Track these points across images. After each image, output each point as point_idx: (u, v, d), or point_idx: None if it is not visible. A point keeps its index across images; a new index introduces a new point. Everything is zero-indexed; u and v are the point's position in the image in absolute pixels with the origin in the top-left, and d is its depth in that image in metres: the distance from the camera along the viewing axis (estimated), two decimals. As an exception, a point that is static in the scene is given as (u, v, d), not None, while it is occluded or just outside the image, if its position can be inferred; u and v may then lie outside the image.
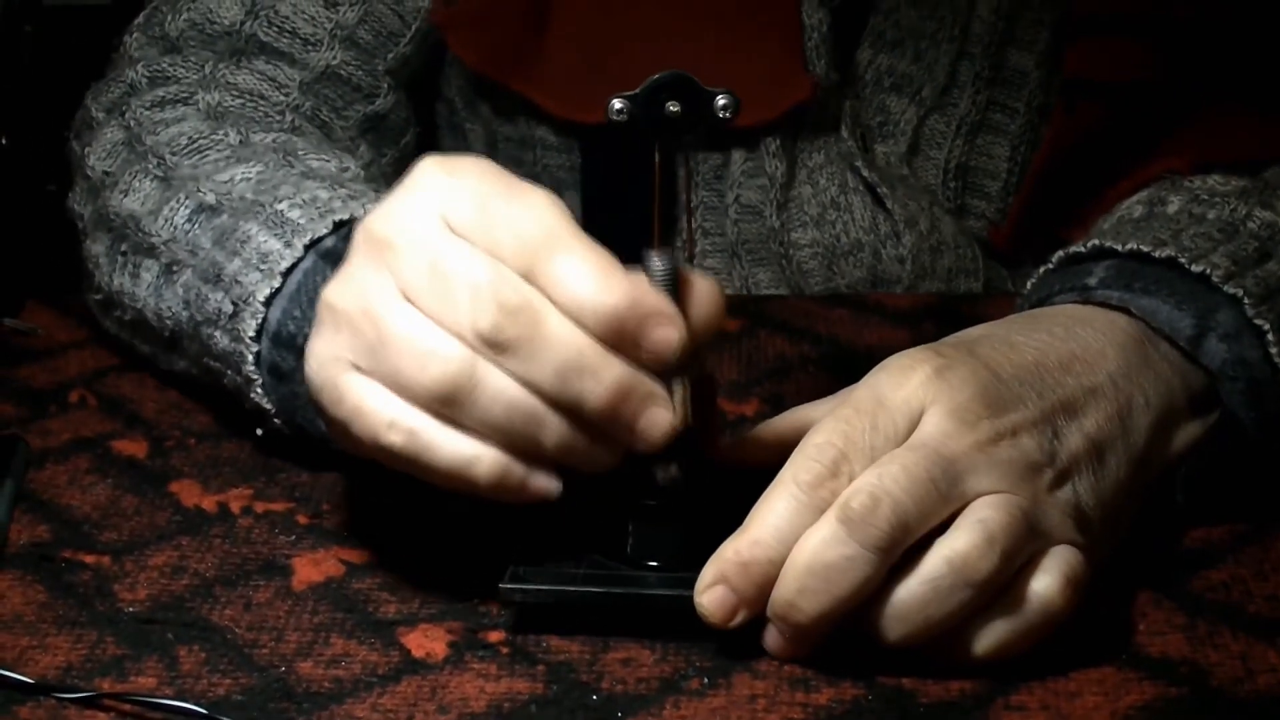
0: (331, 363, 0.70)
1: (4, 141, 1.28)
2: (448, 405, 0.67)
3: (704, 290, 0.70)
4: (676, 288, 0.70)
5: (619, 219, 0.70)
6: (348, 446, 0.72)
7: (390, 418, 0.68)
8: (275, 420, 0.84)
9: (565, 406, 0.68)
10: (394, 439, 0.68)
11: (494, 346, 0.67)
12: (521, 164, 1.13)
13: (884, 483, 0.67)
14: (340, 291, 0.70)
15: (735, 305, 1.05)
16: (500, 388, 0.67)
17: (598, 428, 0.68)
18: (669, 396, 0.69)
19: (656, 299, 0.68)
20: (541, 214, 0.68)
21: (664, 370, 0.69)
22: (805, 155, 1.08)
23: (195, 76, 1.02)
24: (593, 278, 0.67)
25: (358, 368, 0.69)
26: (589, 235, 0.69)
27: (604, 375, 0.67)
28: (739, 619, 0.69)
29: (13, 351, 0.99)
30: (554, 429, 0.68)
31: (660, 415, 0.69)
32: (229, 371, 0.85)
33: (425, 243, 0.68)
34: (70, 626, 0.74)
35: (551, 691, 0.69)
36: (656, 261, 0.70)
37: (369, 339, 0.69)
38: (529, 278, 0.67)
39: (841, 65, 1.07)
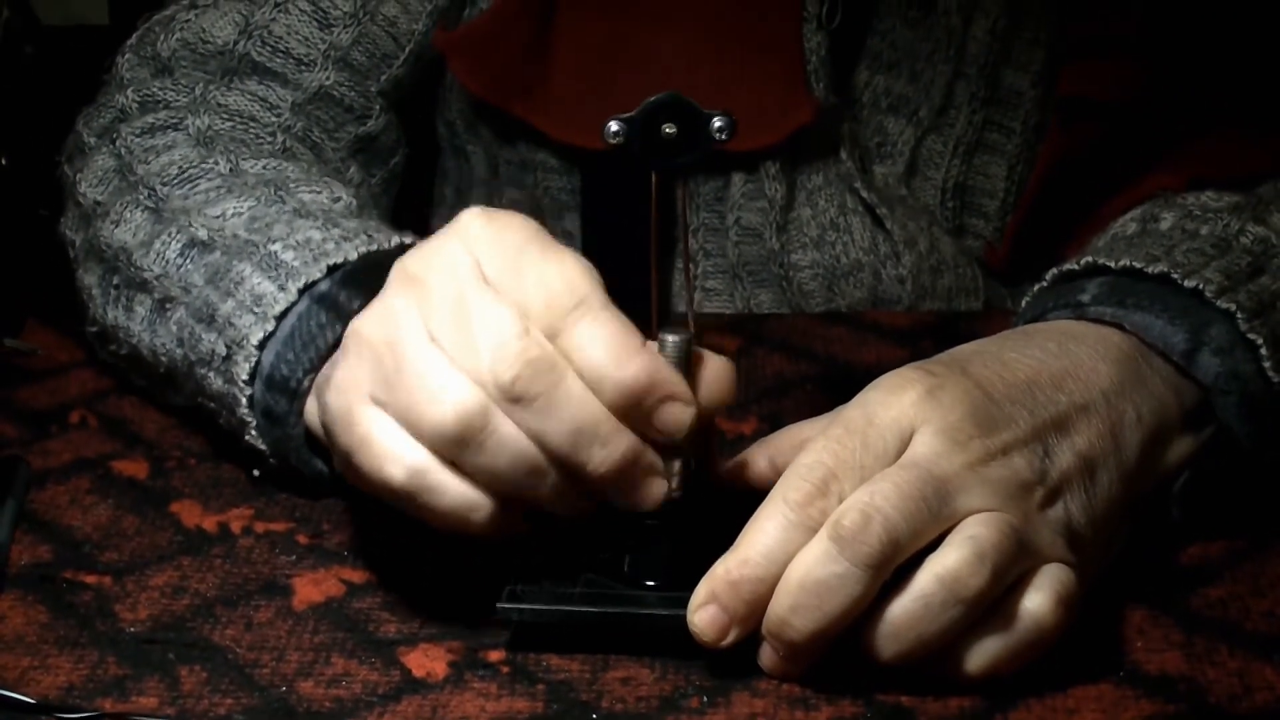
0: (350, 389, 0.70)
1: (4, 162, 1.29)
2: (456, 447, 0.68)
3: (717, 370, 0.72)
4: (689, 364, 0.71)
5: (618, 240, 0.70)
6: (351, 478, 0.73)
7: (396, 453, 0.69)
8: (270, 461, 0.84)
9: (569, 466, 0.69)
10: (397, 474, 0.69)
11: (511, 398, 0.68)
12: (523, 186, 1.13)
13: (875, 500, 0.68)
14: (368, 322, 0.71)
15: (733, 323, 1.05)
16: (510, 438, 0.68)
17: (591, 488, 0.70)
18: (667, 469, 0.71)
19: (673, 379, 0.69)
20: (573, 276, 0.69)
21: (669, 444, 0.70)
22: (804, 177, 1.09)
23: (185, 100, 1.03)
24: (615, 351, 0.68)
25: (374, 399, 0.70)
26: (591, 258, 0.70)
27: (614, 445, 0.69)
28: (731, 637, 0.70)
29: (13, 372, 1.00)
30: (550, 484, 0.69)
31: (656, 489, 0.71)
32: (224, 412, 0.85)
33: (455, 284, 0.69)
34: (72, 647, 0.74)
35: (552, 710, 0.69)
36: (670, 339, 0.71)
37: (387, 370, 0.69)
38: (552, 337, 0.68)
39: (839, 88, 1.08)
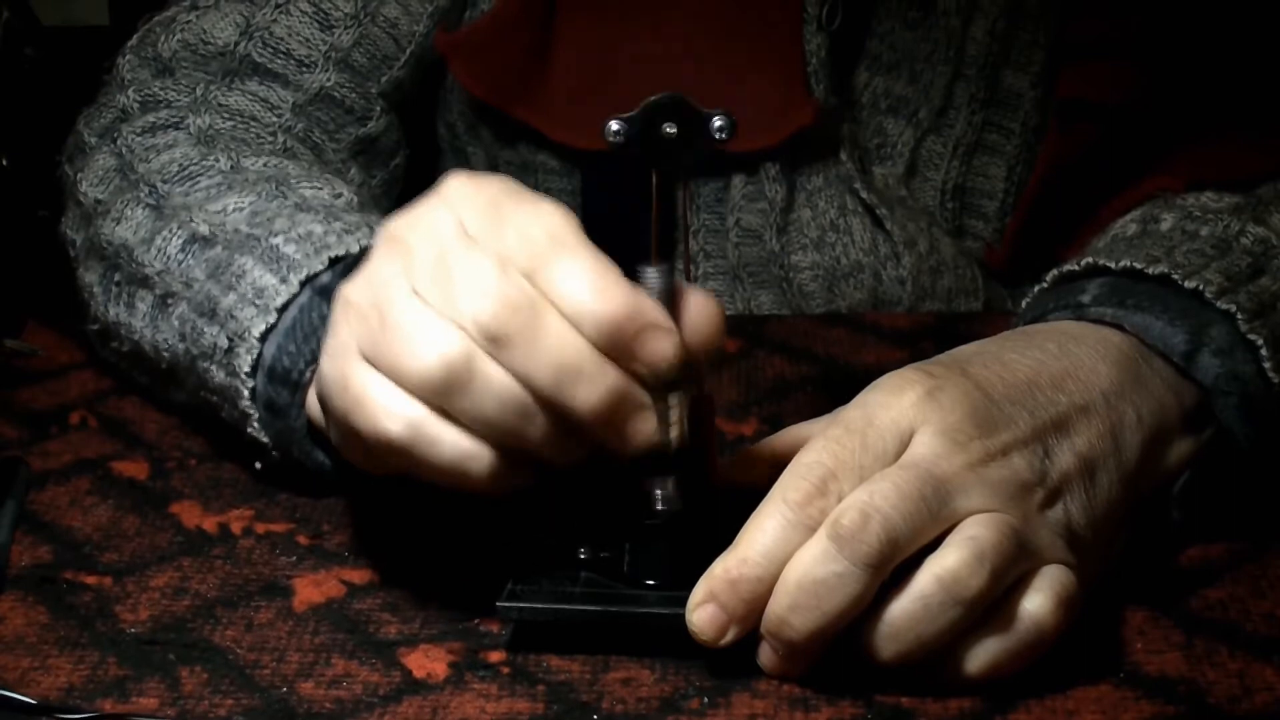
0: (339, 352, 0.71)
1: (4, 162, 1.29)
2: (443, 394, 0.68)
3: (701, 306, 0.71)
4: (673, 302, 0.70)
5: (619, 241, 0.70)
6: (350, 446, 0.73)
7: (390, 407, 0.69)
8: (273, 454, 0.84)
9: (555, 406, 0.68)
10: (393, 428, 0.69)
11: (493, 339, 0.67)
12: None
13: (874, 500, 0.68)
14: (354, 286, 0.72)
15: (734, 325, 1.05)
16: (495, 380, 0.68)
17: (582, 429, 0.69)
18: (659, 409, 0.70)
19: (654, 311, 0.68)
20: (549, 220, 0.69)
21: (657, 382, 0.69)
22: (804, 178, 1.09)
23: (186, 100, 1.03)
24: (593, 285, 0.68)
25: (365, 358, 0.70)
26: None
27: (598, 381, 0.68)
28: (730, 637, 0.70)
29: (13, 373, 1.00)
30: (541, 426, 0.69)
31: (646, 425, 0.69)
32: (226, 405, 0.85)
33: (437, 242, 0.70)
34: (72, 647, 0.74)
35: (552, 711, 0.70)
36: (652, 275, 0.70)
37: (373, 327, 0.69)
38: (532, 279, 0.68)
39: (839, 89, 1.08)
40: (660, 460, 0.71)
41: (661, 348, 0.68)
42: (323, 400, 0.73)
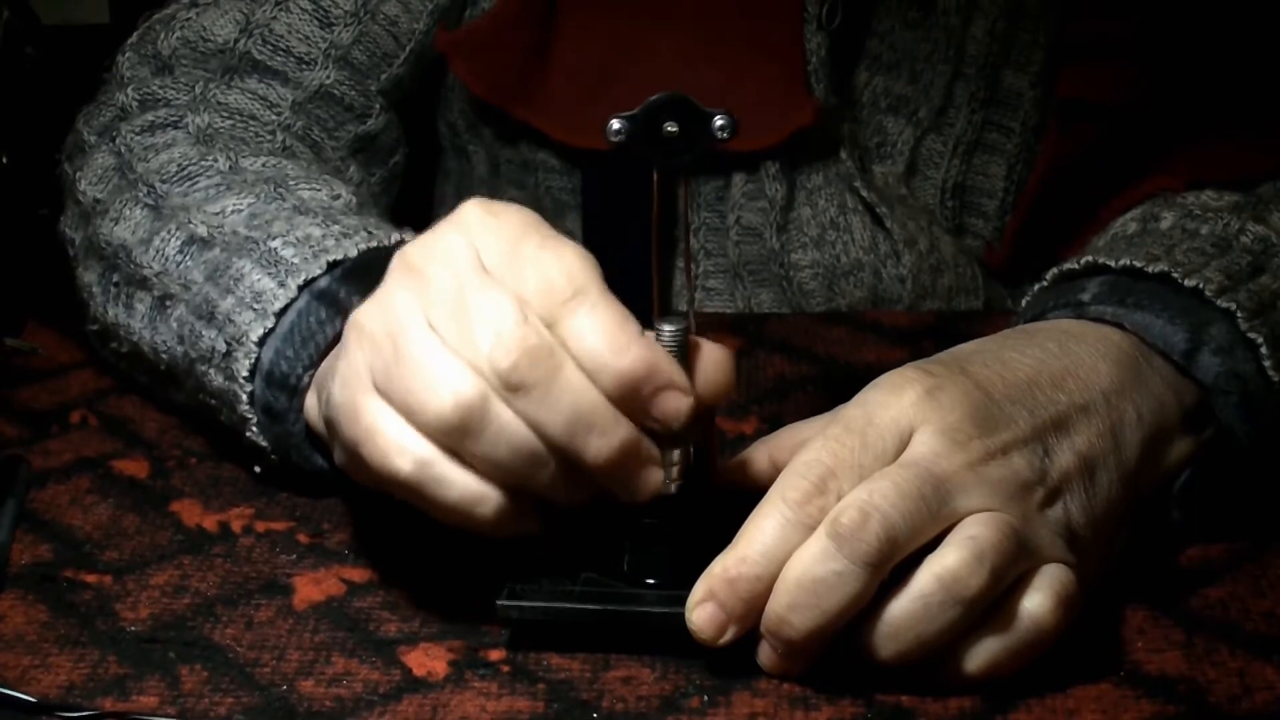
0: (353, 380, 0.71)
1: (4, 161, 1.29)
2: (457, 437, 0.68)
3: (715, 361, 0.71)
4: (686, 354, 0.71)
5: (619, 240, 0.70)
6: (357, 472, 0.73)
7: (402, 444, 0.69)
8: (272, 457, 0.84)
9: (567, 455, 0.68)
10: (403, 466, 0.69)
11: (510, 386, 0.68)
12: (524, 187, 1.13)
13: (874, 499, 0.68)
14: (369, 313, 0.71)
15: (734, 323, 1.05)
16: (509, 426, 0.68)
17: (589, 477, 0.70)
18: (664, 460, 0.71)
19: (671, 369, 0.69)
20: (571, 265, 0.69)
21: (668, 435, 0.70)
22: (804, 177, 1.09)
23: (185, 98, 1.03)
24: (612, 339, 0.68)
25: (376, 389, 0.70)
26: (600, 262, 0.70)
27: (611, 434, 0.68)
28: (729, 635, 0.70)
29: (14, 372, 1.00)
30: (550, 473, 0.69)
31: (653, 479, 0.70)
32: (224, 409, 0.85)
33: (455, 274, 0.69)
34: (72, 646, 0.74)
35: (552, 710, 0.70)
36: (667, 328, 0.71)
37: (387, 360, 0.69)
38: (550, 326, 0.68)
39: (839, 88, 1.08)
40: (661, 504, 0.72)
41: (676, 406, 0.69)
42: (331, 425, 0.73)
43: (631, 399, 0.69)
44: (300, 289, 0.83)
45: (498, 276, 0.69)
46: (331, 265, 0.83)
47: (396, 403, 0.69)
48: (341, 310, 0.80)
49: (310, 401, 0.81)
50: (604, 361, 0.68)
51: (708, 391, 0.71)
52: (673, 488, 0.72)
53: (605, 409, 0.68)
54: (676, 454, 0.71)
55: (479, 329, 0.68)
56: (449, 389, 0.68)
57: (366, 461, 0.70)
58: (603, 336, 0.68)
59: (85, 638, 0.74)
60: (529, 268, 0.69)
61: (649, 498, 0.71)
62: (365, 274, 0.80)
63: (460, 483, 0.69)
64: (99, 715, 0.69)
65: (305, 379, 0.81)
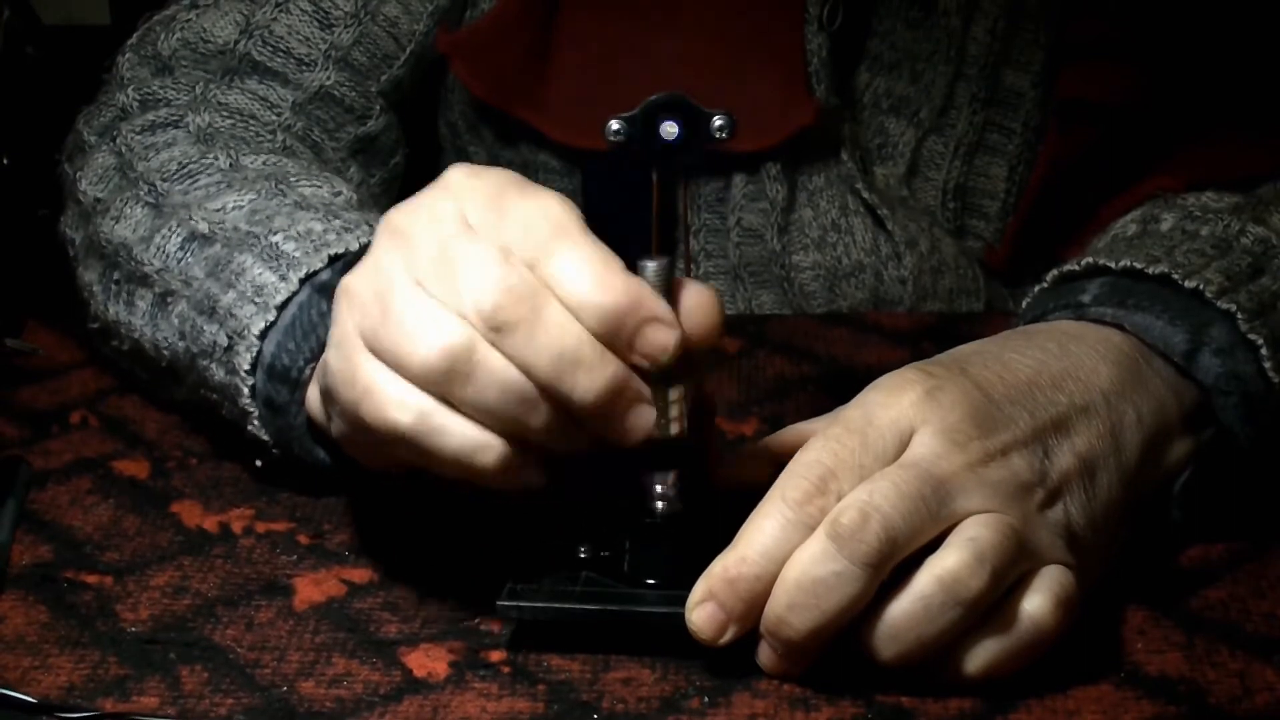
0: (344, 343, 0.71)
1: (5, 161, 1.29)
2: (446, 383, 0.68)
3: (700, 298, 0.71)
4: (671, 293, 0.70)
5: (620, 241, 0.70)
6: (357, 438, 0.73)
7: (400, 398, 0.69)
8: (273, 451, 0.84)
9: (556, 396, 0.68)
10: (402, 418, 0.69)
11: (494, 327, 0.67)
12: (523, 188, 1.13)
13: (874, 499, 0.68)
14: (356, 277, 0.72)
15: (735, 325, 1.05)
16: (497, 368, 0.68)
17: (581, 418, 0.69)
18: (659, 402, 0.70)
19: (655, 303, 0.69)
20: (551, 211, 0.69)
21: (656, 372, 0.69)
22: (806, 178, 1.09)
23: (186, 98, 1.03)
24: (595, 276, 0.68)
25: (369, 348, 0.70)
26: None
27: (598, 371, 0.68)
28: (729, 636, 0.70)
29: (14, 372, 1.00)
30: (543, 416, 0.69)
31: (644, 416, 0.69)
32: (226, 403, 0.85)
33: (438, 231, 0.70)
34: (72, 647, 0.74)
35: (553, 711, 0.70)
36: (652, 267, 0.70)
37: (375, 319, 0.70)
38: (534, 268, 0.68)
39: (840, 89, 1.08)
40: (661, 453, 0.71)
41: (661, 339, 0.68)
42: (328, 392, 0.73)
43: (616, 334, 0.68)
44: (302, 282, 0.83)
45: (481, 230, 0.69)
46: (333, 259, 0.83)
47: (387, 358, 0.69)
48: None
49: (312, 394, 0.81)
50: (587, 298, 0.68)
51: (694, 329, 0.70)
52: (672, 430, 0.71)
53: (591, 345, 0.68)
54: (674, 395, 0.71)
55: (462, 277, 0.68)
56: (435, 336, 0.68)
57: (366, 420, 0.70)
58: (585, 273, 0.68)
59: (85, 639, 0.74)
60: (510, 217, 0.69)
61: (641, 437, 0.70)
62: None
63: (460, 431, 0.69)
64: (99, 716, 0.69)
65: (307, 372, 0.81)
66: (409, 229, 0.71)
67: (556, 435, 0.69)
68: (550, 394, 0.68)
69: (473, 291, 0.68)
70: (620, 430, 0.69)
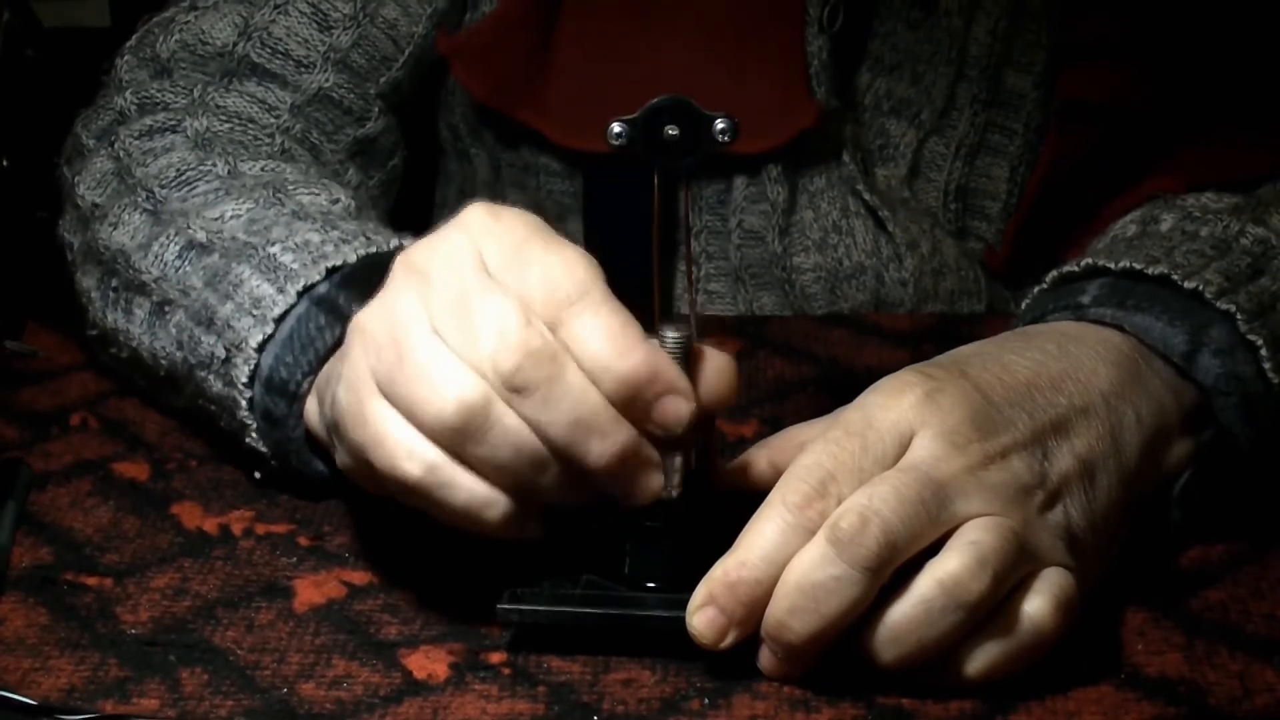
0: (356, 383, 0.71)
1: (4, 164, 1.29)
2: (460, 439, 0.68)
3: (717, 366, 0.71)
4: (688, 359, 0.71)
5: (621, 243, 0.70)
6: (361, 476, 0.73)
7: (410, 448, 0.69)
8: (271, 463, 0.84)
9: (568, 459, 0.69)
10: (412, 470, 0.69)
11: (513, 388, 0.68)
12: (525, 190, 1.13)
13: (873, 503, 0.68)
14: (372, 315, 0.71)
15: (735, 326, 1.05)
16: (512, 428, 0.68)
17: (589, 479, 0.70)
18: (665, 464, 0.71)
19: (673, 373, 0.69)
20: (575, 268, 0.69)
21: (669, 440, 0.70)
22: (807, 180, 1.09)
23: (184, 102, 1.03)
24: (616, 343, 0.68)
25: (381, 392, 0.70)
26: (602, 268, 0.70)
27: (612, 438, 0.69)
28: (729, 639, 0.70)
29: (14, 374, 1.00)
30: (553, 476, 0.69)
31: (652, 483, 0.71)
32: (224, 415, 0.85)
33: (458, 276, 0.69)
34: (73, 648, 0.74)
35: (553, 712, 0.70)
36: (670, 334, 0.71)
37: (390, 362, 0.69)
38: (553, 328, 0.68)
39: (841, 90, 1.08)
40: (660, 509, 0.72)
41: (677, 410, 0.69)
42: (337, 428, 0.73)
43: (633, 403, 0.69)
44: (299, 295, 0.83)
45: (501, 279, 0.69)
46: (330, 271, 0.83)
47: (400, 405, 0.69)
48: (340, 316, 0.80)
49: (310, 407, 0.81)
50: (606, 365, 0.68)
51: (709, 398, 0.71)
52: (674, 493, 0.72)
53: (607, 412, 0.68)
54: (678, 460, 0.71)
55: (482, 331, 0.68)
56: (452, 391, 0.68)
57: (374, 466, 0.70)
58: (605, 340, 0.68)
59: (86, 640, 0.74)
60: (532, 270, 0.69)
61: (649, 501, 0.71)
62: (364, 280, 0.80)
63: (468, 486, 0.69)
64: (99, 718, 0.69)
65: (305, 385, 0.81)
66: (427, 269, 0.70)
67: (563, 493, 0.70)
68: (562, 456, 0.68)
69: (492, 348, 0.68)
70: (629, 494, 0.70)
